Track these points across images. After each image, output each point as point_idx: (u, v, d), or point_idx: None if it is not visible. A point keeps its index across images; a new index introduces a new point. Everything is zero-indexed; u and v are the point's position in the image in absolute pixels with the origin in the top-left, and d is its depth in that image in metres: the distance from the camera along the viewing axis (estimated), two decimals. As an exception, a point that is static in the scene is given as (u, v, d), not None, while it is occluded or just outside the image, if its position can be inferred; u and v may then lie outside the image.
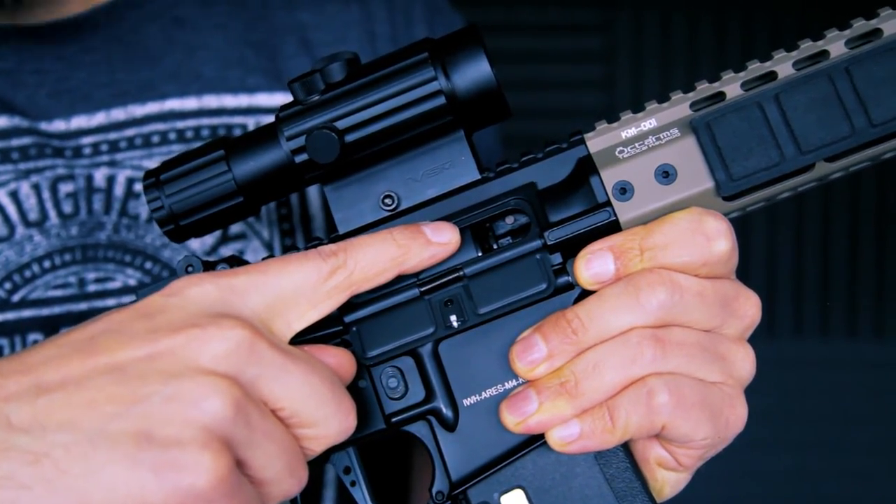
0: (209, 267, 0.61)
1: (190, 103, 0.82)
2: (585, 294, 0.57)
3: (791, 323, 2.03)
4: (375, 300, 0.59)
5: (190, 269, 0.60)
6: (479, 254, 0.59)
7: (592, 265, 0.56)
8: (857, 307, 2.04)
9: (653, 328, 0.55)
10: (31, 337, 0.76)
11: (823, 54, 0.57)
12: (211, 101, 0.82)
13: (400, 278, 0.58)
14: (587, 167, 0.59)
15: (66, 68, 0.80)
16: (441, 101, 0.58)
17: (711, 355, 0.57)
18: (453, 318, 0.58)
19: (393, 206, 0.60)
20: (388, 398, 0.60)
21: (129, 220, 0.79)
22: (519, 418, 0.56)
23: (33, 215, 0.77)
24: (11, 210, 0.77)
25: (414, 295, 0.58)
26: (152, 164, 0.79)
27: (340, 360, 0.56)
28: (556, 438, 0.56)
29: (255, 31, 0.85)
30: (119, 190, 0.79)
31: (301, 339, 0.57)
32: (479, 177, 0.60)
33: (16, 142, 0.77)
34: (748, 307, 0.59)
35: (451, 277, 0.58)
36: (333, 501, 0.83)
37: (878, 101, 0.56)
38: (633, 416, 0.55)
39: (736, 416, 0.60)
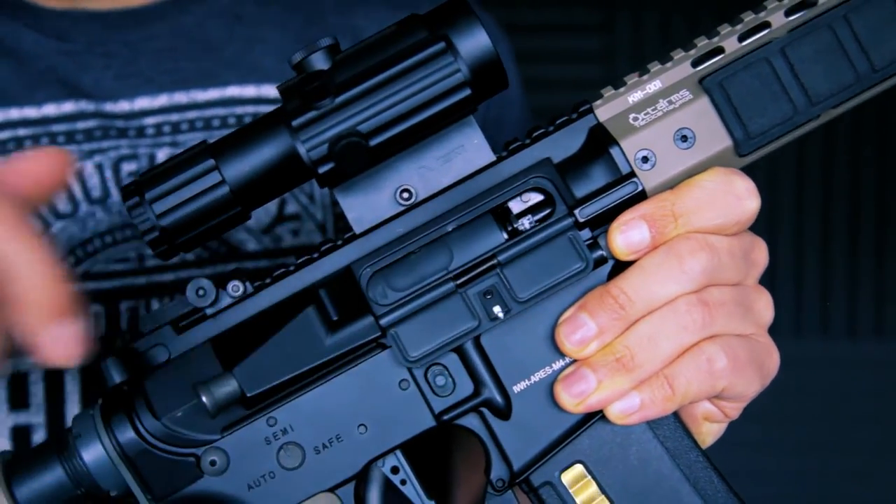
0: (220, 284, 0.59)
1: (249, 91, 0.84)
2: (619, 265, 0.57)
3: (791, 323, 2.03)
4: (410, 299, 0.57)
5: (200, 292, 0.58)
6: (505, 236, 0.58)
7: (629, 236, 0.56)
8: (857, 307, 2.04)
9: (697, 293, 0.56)
10: (92, 309, 0.78)
11: (812, 2, 0.58)
12: (269, 90, 0.84)
13: (432, 274, 0.57)
14: (602, 136, 0.58)
15: (132, 53, 0.83)
16: (467, 91, 0.56)
17: (745, 309, 0.58)
18: (497, 308, 0.57)
19: (410, 199, 0.59)
20: (437, 396, 0.59)
21: None
22: (577, 399, 0.56)
23: (96, 193, 0.80)
24: (76, 188, 0.80)
25: (449, 289, 0.57)
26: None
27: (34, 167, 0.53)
28: (616, 412, 0.56)
29: (311, 31, 0.87)
30: None
31: (336, 332, 0.57)
32: (493, 158, 0.59)
33: (81, 125, 0.81)
34: (761, 254, 0.61)
35: (485, 267, 0.57)
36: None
37: (878, 46, 0.58)
38: (694, 383, 0.56)
39: (773, 362, 0.62)
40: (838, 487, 2.01)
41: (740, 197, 0.57)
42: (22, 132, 0.81)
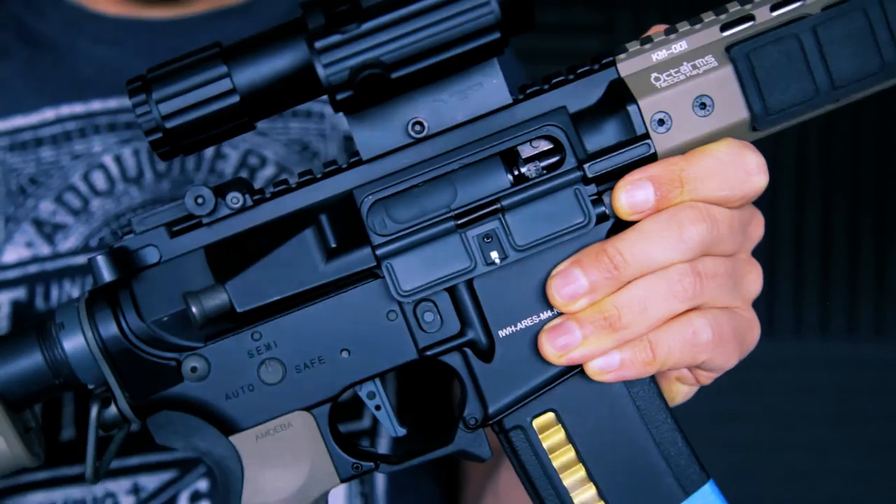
0: (219, 194, 0.58)
1: None
2: (620, 223, 0.57)
3: (791, 323, 2.02)
4: (409, 233, 0.57)
5: (199, 199, 0.58)
6: (511, 180, 0.57)
7: (634, 196, 0.56)
8: (857, 307, 2.04)
9: (691, 262, 0.56)
10: None
11: None
12: None
13: (433, 210, 0.57)
14: (622, 91, 0.57)
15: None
16: (496, 35, 0.54)
17: (735, 282, 0.59)
18: (494, 253, 0.57)
19: (421, 132, 0.58)
20: (423, 331, 0.59)
21: (215, 177, 0.85)
22: (561, 351, 0.57)
23: (132, 173, 0.85)
24: (114, 170, 0.85)
25: (449, 228, 0.57)
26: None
27: None
28: (595, 368, 0.57)
29: None
30: (209, 152, 0.86)
31: (332, 260, 0.57)
32: (510, 100, 0.58)
33: (122, 118, 0.86)
34: (758, 228, 0.61)
35: (488, 210, 0.57)
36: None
37: None
38: (676, 352, 0.57)
39: (753, 336, 0.62)
40: (838, 487, 2.01)
41: (750, 172, 0.57)
42: (70, 126, 0.86)
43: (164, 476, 0.80)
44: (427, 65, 0.54)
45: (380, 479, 0.84)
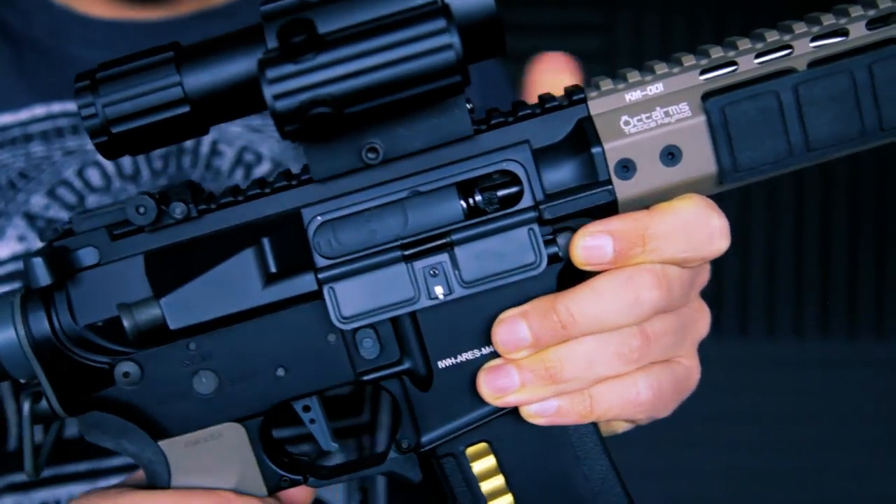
0: (162, 201, 0.57)
1: None
2: (571, 265, 0.56)
3: (791, 323, 2.02)
4: (354, 259, 0.56)
5: (141, 209, 0.56)
6: (465, 212, 0.56)
7: (591, 249, 0.55)
8: (857, 307, 2.04)
9: (640, 324, 0.55)
10: None
11: (843, 32, 0.55)
12: None
13: (382, 236, 0.56)
14: (588, 132, 0.55)
15: None
16: (456, 76, 0.51)
17: (681, 336, 0.58)
18: (439, 289, 0.56)
19: (376, 159, 0.55)
20: (361, 357, 0.58)
21: (211, 174, 0.84)
22: (497, 393, 0.56)
23: (128, 170, 0.84)
24: (110, 168, 0.84)
25: (396, 257, 0.55)
26: (235, 127, 0.85)
27: None
28: (530, 411, 0.56)
29: None
30: (205, 149, 0.85)
31: (272, 284, 0.56)
32: (471, 131, 0.56)
33: None
34: (705, 276, 0.60)
35: (437, 243, 0.55)
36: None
37: (893, 104, 0.55)
38: (615, 409, 0.56)
39: (691, 383, 0.61)
40: (838, 487, 2.01)
41: (713, 235, 0.55)
42: (62, 122, 0.85)
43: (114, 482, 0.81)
44: (381, 103, 0.51)
45: (380, 477, 0.84)
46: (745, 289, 1.99)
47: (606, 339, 0.55)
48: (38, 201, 0.82)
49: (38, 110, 0.86)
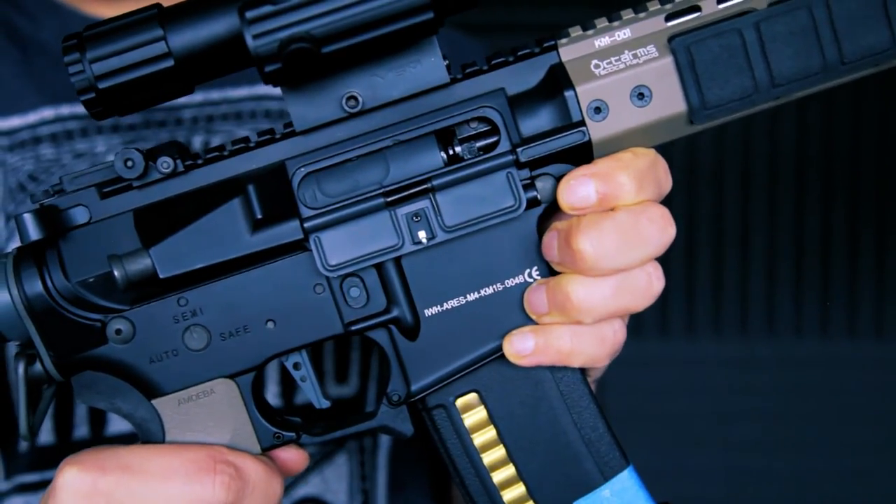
0: (150, 157, 0.58)
1: (277, 89, 0.89)
2: (550, 209, 0.57)
3: (791, 323, 2.03)
4: (338, 208, 0.57)
5: (129, 163, 0.57)
6: (444, 159, 0.57)
7: (575, 189, 0.56)
8: (857, 307, 2.04)
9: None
10: None
11: None
12: None
13: (364, 185, 0.57)
14: (560, 77, 0.57)
15: None
16: (429, 14, 0.53)
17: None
18: (422, 233, 0.57)
19: (356, 107, 0.57)
20: (348, 306, 0.59)
21: None
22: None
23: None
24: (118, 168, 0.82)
25: (379, 205, 0.57)
26: (243, 131, 0.85)
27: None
28: (512, 352, 0.58)
29: None
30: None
31: (258, 231, 0.57)
32: (448, 79, 0.57)
33: (126, 119, 0.85)
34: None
35: (418, 189, 0.57)
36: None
37: (852, 38, 0.56)
38: (597, 361, 0.59)
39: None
40: (838, 487, 2.01)
41: (668, 173, 0.58)
42: (72, 125, 0.85)
43: None
44: (358, 41, 0.53)
45: (380, 477, 0.84)
46: (745, 289, 2.00)
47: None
48: None
49: (47, 113, 0.86)
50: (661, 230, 0.56)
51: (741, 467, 1.98)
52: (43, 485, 0.79)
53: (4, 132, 0.85)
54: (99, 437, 0.79)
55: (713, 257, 1.95)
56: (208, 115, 0.87)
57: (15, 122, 0.85)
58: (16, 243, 0.81)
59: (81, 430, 0.79)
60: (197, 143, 0.86)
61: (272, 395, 0.80)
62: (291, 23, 0.53)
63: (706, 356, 2.00)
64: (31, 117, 0.85)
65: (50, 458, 0.78)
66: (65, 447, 0.78)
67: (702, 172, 1.96)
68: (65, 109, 0.86)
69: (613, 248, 0.55)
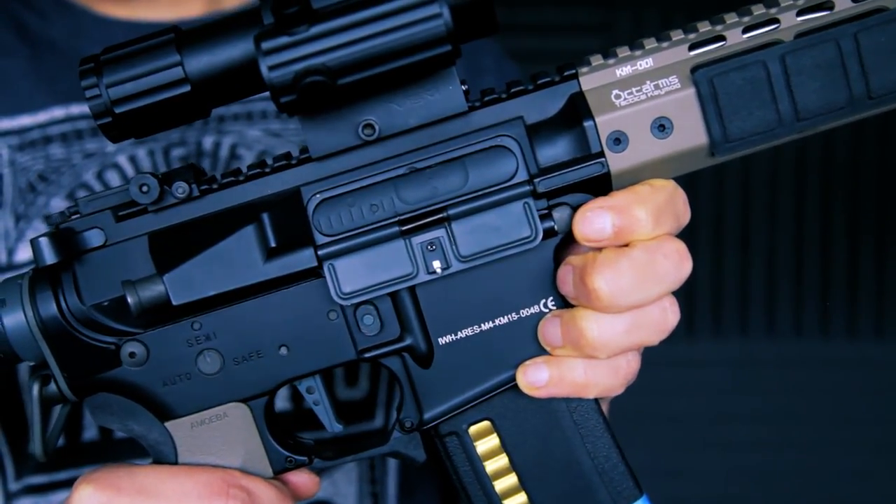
0: (165, 182, 0.58)
1: None
2: (566, 239, 0.57)
3: (791, 323, 2.02)
4: (353, 236, 0.56)
5: (144, 188, 0.57)
6: (460, 188, 0.57)
7: (592, 222, 0.56)
8: (857, 307, 2.04)
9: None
10: None
11: (829, 5, 0.55)
12: None
13: (380, 213, 0.57)
14: (580, 107, 0.56)
15: None
16: (447, 45, 0.53)
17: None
18: (436, 263, 0.56)
19: (372, 135, 0.57)
20: (362, 334, 0.59)
21: None
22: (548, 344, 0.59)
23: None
24: (129, 170, 0.84)
25: (394, 233, 0.56)
26: (254, 132, 0.85)
27: None
28: (525, 383, 0.58)
29: None
30: (224, 152, 0.85)
31: (272, 259, 0.57)
32: (465, 107, 0.57)
33: None
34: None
35: (434, 218, 0.56)
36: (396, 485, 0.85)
37: (880, 73, 0.55)
38: (612, 389, 0.59)
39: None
40: (838, 487, 2.01)
41: (686, 205, 0.58)
42: (81, 125, 0.85)
43: None
44: (374, 73, 0.53)
45: (391, 481, 0.84)
46: (746, 289, 2.00)
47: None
48: (57, 204, 0.82)
49: (57, 112, 0.85)
50: (676, 266, 0.55)
51: (741, 467, 1.98)
52: (52, 486, 0.79)
53: (14, 131, 0.85)
54: (108, 440, 0.78)
55: (713, 257, 1.96)
56: (219, 116, 0.86)
57: (25, 121, 0.85)
58: (25, 246, 0.81)
59: (91, 431, 0.79)
60: (208, 143, 0.85)
61: (282, 399, 0.80)
62: (307, 55, 0.52)
63: (706, 356, 2.00)
64: (41, 116, 0.85)
65: (59, 460, 0.78)
66: (74, 449, 0.78)
67: (702, 172, 1.95)
68: (75, 109, 0.86)
69: (629, 286, 0.54)
